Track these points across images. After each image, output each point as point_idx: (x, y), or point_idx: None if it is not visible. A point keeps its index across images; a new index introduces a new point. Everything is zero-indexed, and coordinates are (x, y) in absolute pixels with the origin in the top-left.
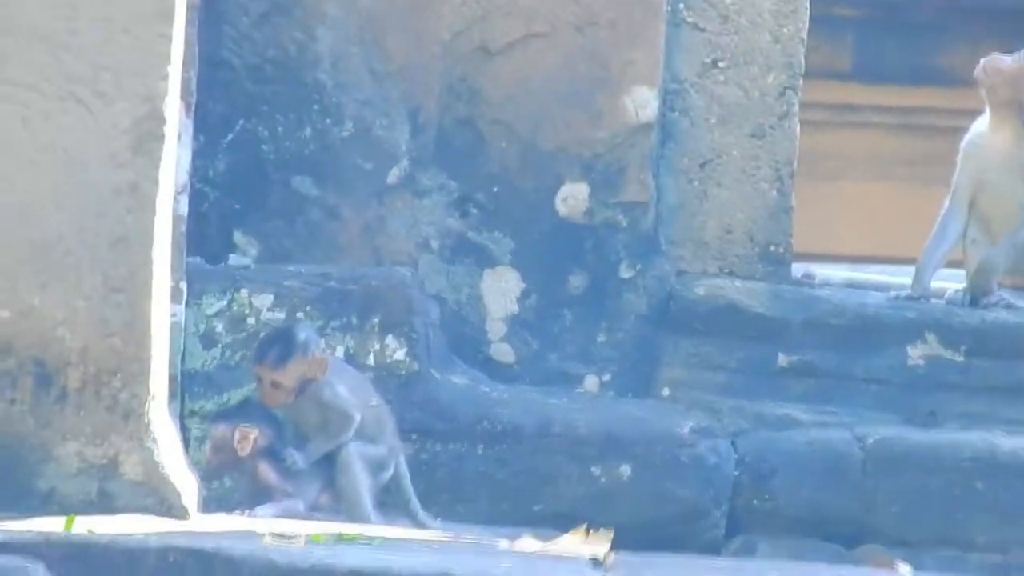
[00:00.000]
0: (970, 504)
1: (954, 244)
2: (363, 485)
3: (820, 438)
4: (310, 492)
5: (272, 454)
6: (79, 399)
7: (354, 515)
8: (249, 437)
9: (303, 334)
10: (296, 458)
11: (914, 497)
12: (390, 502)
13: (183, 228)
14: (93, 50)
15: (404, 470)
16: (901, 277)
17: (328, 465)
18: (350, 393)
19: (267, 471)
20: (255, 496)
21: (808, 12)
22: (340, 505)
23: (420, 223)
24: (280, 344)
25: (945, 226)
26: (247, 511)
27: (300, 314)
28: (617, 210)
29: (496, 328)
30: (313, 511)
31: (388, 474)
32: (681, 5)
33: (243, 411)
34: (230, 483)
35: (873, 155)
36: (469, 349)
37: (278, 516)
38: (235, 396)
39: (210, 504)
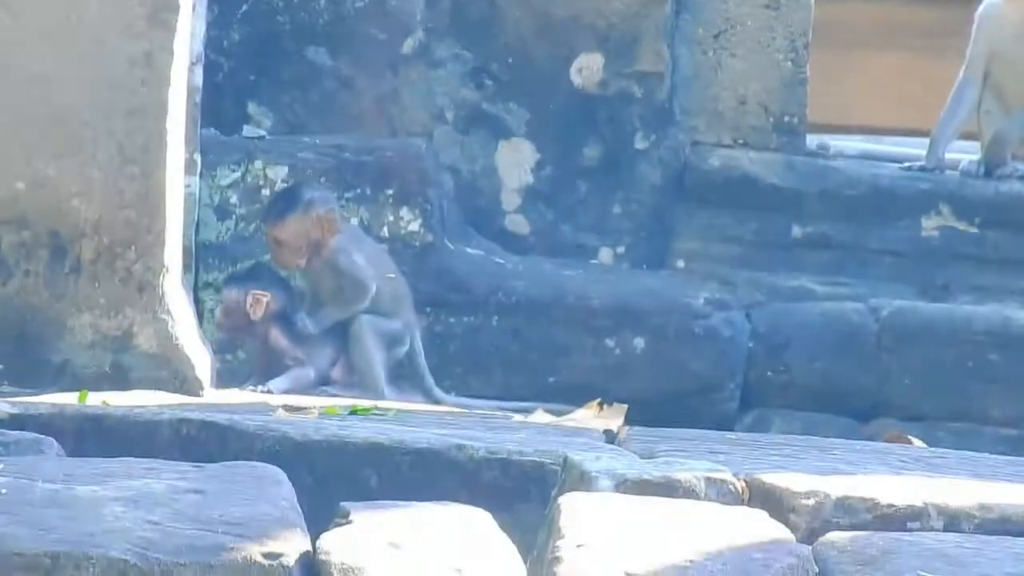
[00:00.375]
0: (984, 377)
1: (968, 115)
2: (376, 358)
3: (834, 310)
4: (322, 361)
5: (284, 320)
6: (93, 271)
7: (367, 387)
8: (262, 300)
9: (308, 193)
10: (307, 323)
11: (928, 370)
12: (404, 376)
13: (197, 99)
14: None
15: (419, 345)
16: (916, 148)
17: (342, 335)
18: (367, 263)
19: (279, 337)
20: (267, 363)
21: None
22: (353, 377)
23: (435, 94)
24: (282, 201)
25: (959, 97)
26: (260, 380)
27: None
28: (632, 80)
29: (510, 199)
30: (325, 381)
31: (403, 349)
32: None
33: (255, 275)
34: (243, 356)
35: (889, 25)
36: (483, 220)
37: (290, 385)
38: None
39: (224, 377)
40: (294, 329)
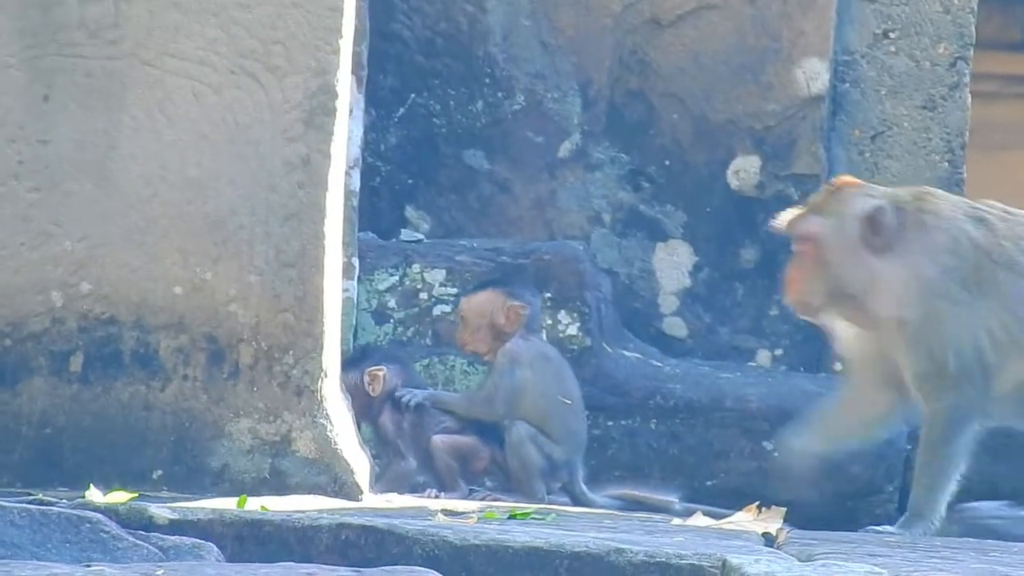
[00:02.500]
0: None
1: None
2: (533, 464)
3: None
4: (415, 448)
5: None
6: (251, 375)
7: (523, 491)
8: (378, 376)
9: (514, 283)
10: (412, 396)
11: None
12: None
13: (355, 202)
14: (264, 24)
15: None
16: None
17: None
18: (526, 382)
19: (386, 422)
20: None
21: None
22: (509, 483)
23: (592, 196)
24: (488, 279)
25: None
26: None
27: None
28: (788, 183)
29: (668, 302)
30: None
31: (561, 474)
32: None
33: (369, 354)
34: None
35: None
36: (641, 323)
37: (391, 484)
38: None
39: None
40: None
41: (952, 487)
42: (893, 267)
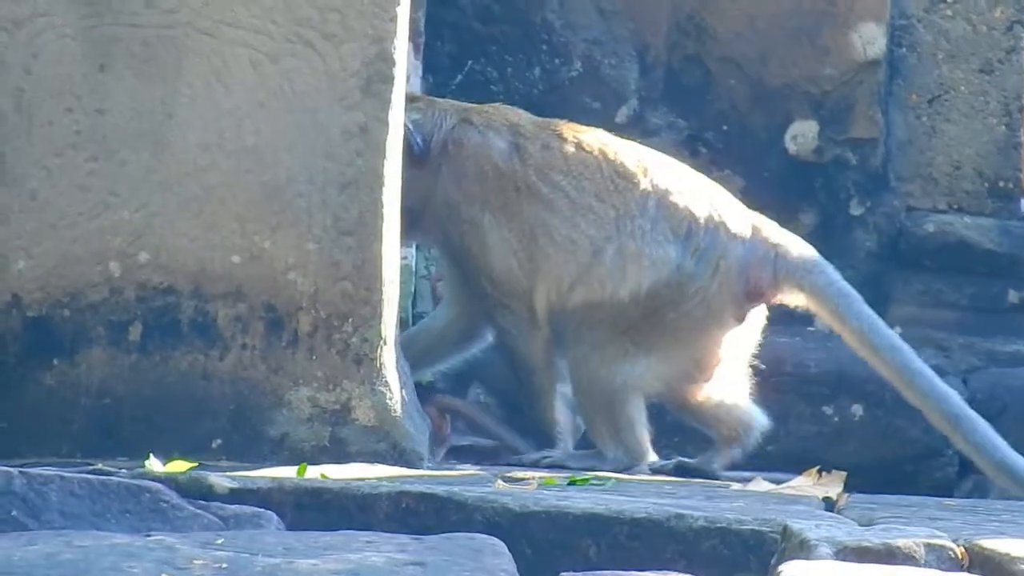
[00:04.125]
0: None
1: None
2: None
3: None
4: None
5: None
6: (310, 344)
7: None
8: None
9: None
10: None
11: None
12: None
13: None
14: None
15: None
16: None
17: None
18: None
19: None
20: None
21: None
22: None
23: None
24: None
25: None
26: None
27: None
28: (846, 147)
29: None
30: None
31: None
32: None
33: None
34: None
35: None
36: None
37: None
38: None
39: None
40: None
41: (555, 395)
42: (432, 188)
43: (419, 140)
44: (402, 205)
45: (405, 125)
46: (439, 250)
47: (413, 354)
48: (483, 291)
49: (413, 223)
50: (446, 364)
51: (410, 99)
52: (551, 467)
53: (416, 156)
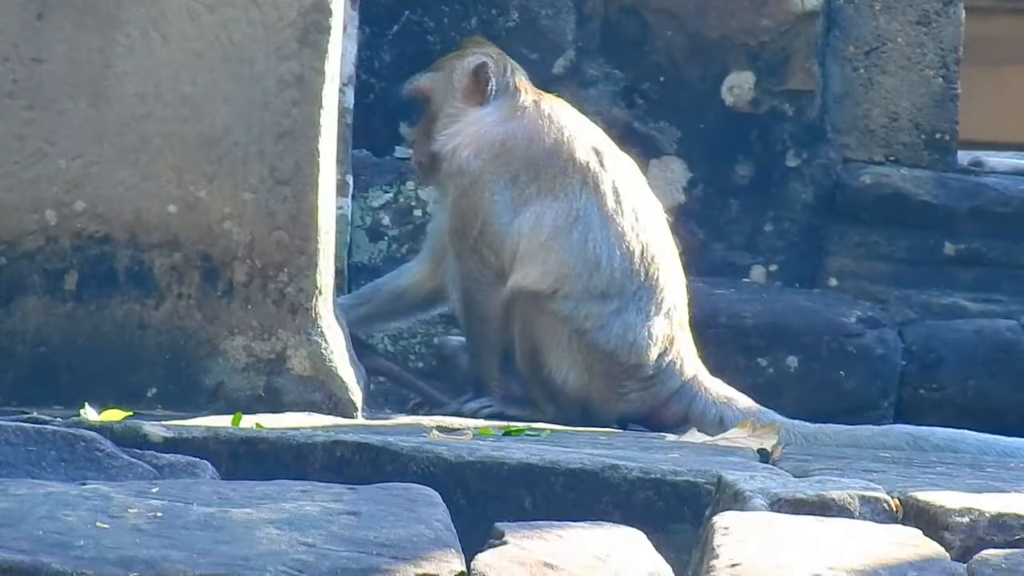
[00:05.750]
0: None
1: None
2: None
3: (987, 327)
4: None
5: None
6: (246, 293)
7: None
8: None
9: None
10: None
11: None
12: None
13: (349, 120)
14: None
15: None
16: None
17: None
18: None
19: None
20: None
21: None
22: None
23: (586, 113)
24: None
25: None
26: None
27: None
28: (783, 99)
29: None
30: None
31: None
32: None
33: None
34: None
35: None
36: None
37: None
38: None
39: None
40: None
41: (500, 350)
42: (477, 122)
43: (494, 85)
44: (431, 148)
45: (486, 63)
46: (440, 193)
47: (372, 308)
48: (465, 236)
49: (436, 164)
50: (406, 322)
51: (477, 44)
52: (489, 417)
53: (479, 94)
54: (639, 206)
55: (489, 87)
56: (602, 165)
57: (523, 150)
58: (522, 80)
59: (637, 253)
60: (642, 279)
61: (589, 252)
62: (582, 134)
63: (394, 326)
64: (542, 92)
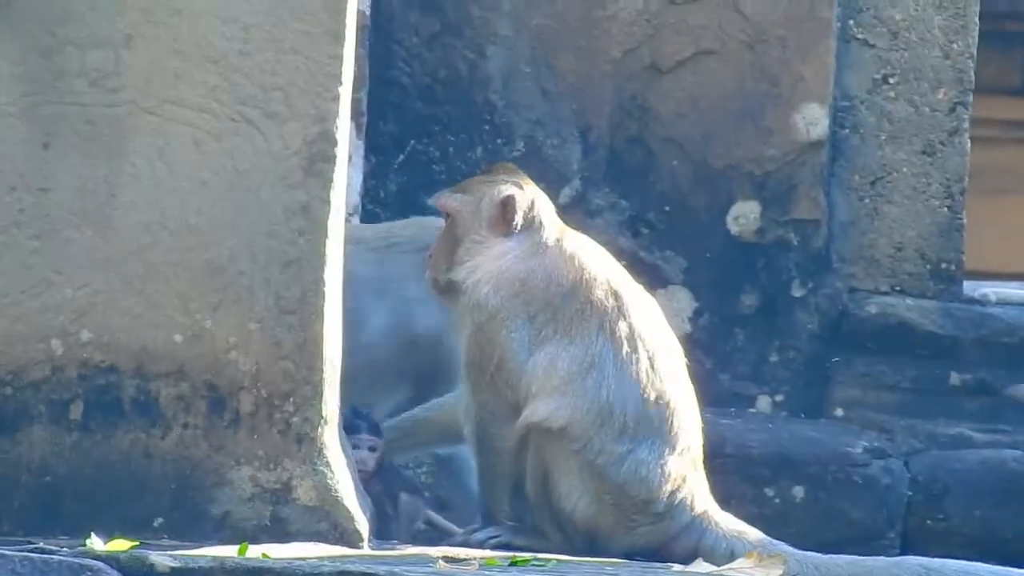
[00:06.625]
0: None
1: None
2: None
3: (993, 457)
4: None
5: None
6: (252, 423)
7: None
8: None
9: None
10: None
11: None
12: None
13: None
14: (264, 71)
15: None
16: None
17: None
18: None
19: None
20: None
21: (978, 28)
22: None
23: None
24: None
25: None
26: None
27: None
28: (788, 228)
29: None
30: None
31: None
32: (851, 21)
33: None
34: None
35: None
36: None
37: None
38: None
39: None
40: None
41: (511, 484)
42: (500, 257)
43: (520, 220)
44: (450, 276)
45: (514, 195)
46: (456, 319)
47: (415, 441)
48: (483, 370)
49: (452, 290)
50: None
51: (508, 171)
52: (497, 547)
53: (506, 224)
54: (656, 350)
55: (515, 221)
56: (619, 309)
57: (542, 290)
58: (547, 213)
59: (652, 400)
60: (656, 424)
61: (603, 400)
62: (602, 274)
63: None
64: (566, 227)
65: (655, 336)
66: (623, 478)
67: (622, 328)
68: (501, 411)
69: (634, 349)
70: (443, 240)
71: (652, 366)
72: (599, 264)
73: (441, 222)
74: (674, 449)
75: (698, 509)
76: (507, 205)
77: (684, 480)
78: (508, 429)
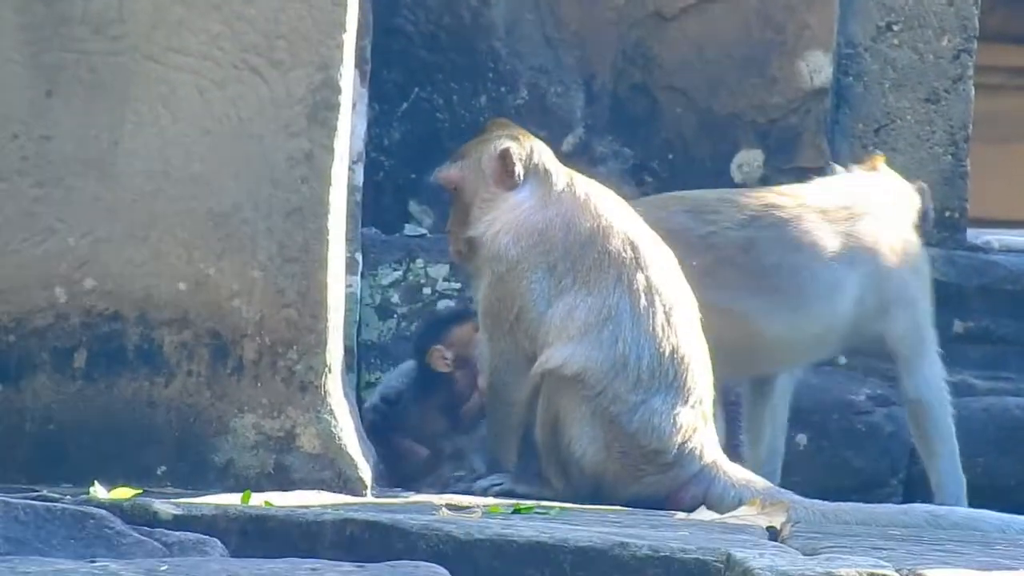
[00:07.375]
0: None
1: None
2: None
3: (996, 405)
4: None
5: None
6: (255, 371)
7: None
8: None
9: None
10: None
11: None
12: None
13: (358, 198)
14: (267, 19)
15: None
16: None
17: None
18: None
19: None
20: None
21: None
22: None
23: None
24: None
25: None
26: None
27: None
28: (792, 176)
29: None
30: None
31: None
32: None
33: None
34: None
35: None
36: None
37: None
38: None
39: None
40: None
41: (521, 434)
42: (515, 207)
43: (520, 170)
44: (469, 234)
45: (510, 147)
46: (475, 275)
47: None
48: (501, 320)
49: (473, 250)
50: None
51: (500, 126)
52: (499, 495)
53: (510, 178)
54: (672, 303)
55: (517, 171)
56: (637, 261)
57: (561, 239)
58: (551, 160)
59: (667, 353)
60: (670, 378)
61: (618, 352)
62: (618, 222)
63: None
64: (572, 171)
65: (671, 289)
66: (635, 427)
67: (640, 280)
68: (517, 361)
69: (651, 303)
70: (455, 212)
71: (668, 320)
72: (615, 210)
73: None
74: (686, 402)
75: (707, 459)
76: (505, 157)
77: (695, 431)
78: (522, 379)
